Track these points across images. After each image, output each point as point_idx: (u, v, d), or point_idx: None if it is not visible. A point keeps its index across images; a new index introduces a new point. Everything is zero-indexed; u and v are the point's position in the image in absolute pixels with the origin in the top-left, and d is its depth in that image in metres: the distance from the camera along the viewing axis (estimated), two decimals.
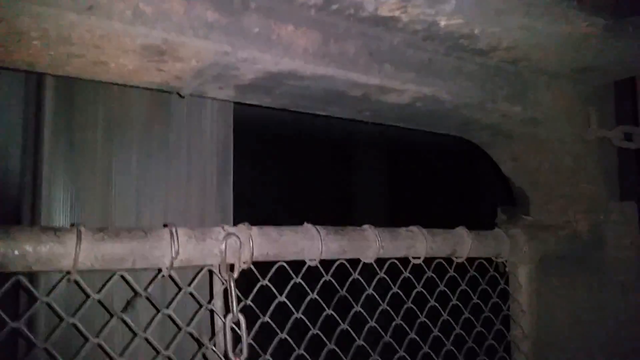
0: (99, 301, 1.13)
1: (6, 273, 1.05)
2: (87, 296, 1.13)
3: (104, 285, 1.14)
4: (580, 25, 1.31)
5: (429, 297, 1.65)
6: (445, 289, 1.69)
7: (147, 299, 1.19)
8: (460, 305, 1.73)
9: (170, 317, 1.20)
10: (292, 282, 1.37)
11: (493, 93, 1.58)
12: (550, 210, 1.94)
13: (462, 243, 1.67)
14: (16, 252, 1.01)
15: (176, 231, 1.17)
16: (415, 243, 1.56)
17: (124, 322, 1.16)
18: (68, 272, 1.08)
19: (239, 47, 1.12)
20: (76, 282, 1.10)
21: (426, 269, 1.62)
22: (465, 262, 1.71)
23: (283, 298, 1.36)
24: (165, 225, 1.19)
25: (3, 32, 1.00)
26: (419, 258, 1.57)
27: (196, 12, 1.08)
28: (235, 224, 1.29)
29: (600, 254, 1.83)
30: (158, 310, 1.20)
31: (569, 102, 1.74)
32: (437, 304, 1.68)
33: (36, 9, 0.93)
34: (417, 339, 1.62)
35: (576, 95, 1.74)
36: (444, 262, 1.67)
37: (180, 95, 1.40)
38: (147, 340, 1.17)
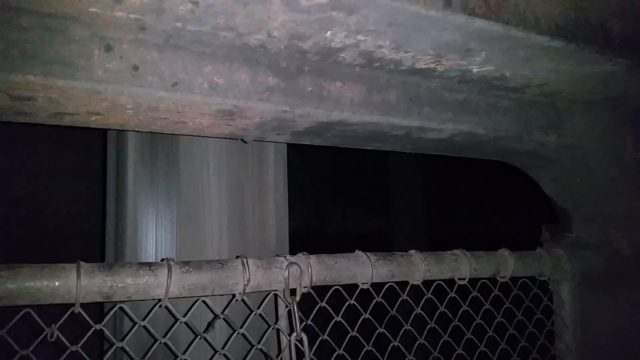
0: (186, 323, 1.34)
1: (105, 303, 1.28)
2: (176, 320, 1.34)
3: (189, 310, 1.35)
4: (604, 65, 1.42)
5: (474, 315, 1.78)
6: (490, 307, 1.81)
7: (225, 320, 1.39)
8: (504, 322, 1.84)
9: (244, 335, 1.40)
10: (346, 304, 1.54)
11: (528, 124, 1.70)
12: (592, 228, 2.02)
13: (505, 264, 1.79)
14: (120, 285, 1.23)
15: (247, 262, 1.37)
16: (459, 265, 1.69)
17: (206, 341, 1.36)
18: (159, 300, 1.30)
19: (295, 106, 1.32)
20: (167, 308, 1.31)
21: (471, 289, 1.74)
22: (509, 281, 1.82)
23: (339, 318, 1.53)
24: (237, 257, 1.40)
25: (105, 106, 1.23)
26: (464, 279, 1.70)
27: (259, 80, 1.28)
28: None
29: None
30: (234, 330, 1.40)
31: (604, 127, 1.82)
32: (482, 322, 1.80)
33: (134, 90, 1.16)
34: (465, 354, 1.74)
35: (611, 120, 1.82)
36: (488, 282, 1.79)
37: (243, 141, 1.62)
38: (225, 356, 1.37)
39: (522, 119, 1.68)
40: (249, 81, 1.26)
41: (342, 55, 1.30)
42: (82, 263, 1.20)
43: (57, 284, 1.16)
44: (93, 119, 1.31)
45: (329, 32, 1.17)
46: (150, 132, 1.60)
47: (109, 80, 1.13)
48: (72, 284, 1.17)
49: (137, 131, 1.53)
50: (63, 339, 1.20)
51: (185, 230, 1.66)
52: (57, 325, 1.20)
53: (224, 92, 1.23)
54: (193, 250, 1.65)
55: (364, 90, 1.42)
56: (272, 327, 1.45)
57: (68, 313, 1.20)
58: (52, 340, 1.20)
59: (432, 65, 1.39)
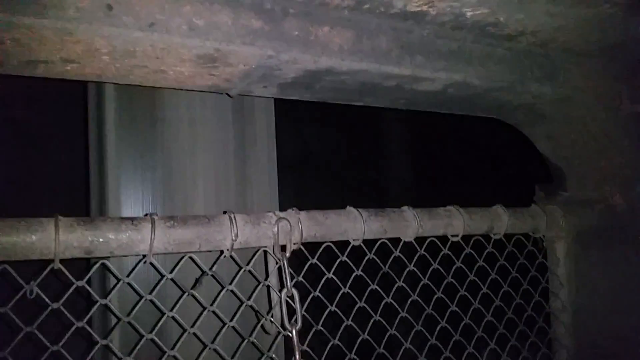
0: (172, 279, 1.30)
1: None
2: (162, 276, 1.30)
3: (175, 266, 1.30)
4: (601, 7, 1.37)
5: (468, 272, 1.75)
6: (484, 264, 1.78)
7: (213, 276, 1.35)
8: (499, 279, 1.82)
9: (233, 292, 1.36)
10: (338, 261, 1.50)
11: (522, 75, 1.64)
12: (586, 185, 1.98)
13: (499, 220, 1.76)
14: (101, 240, 1.18)
15: (235, 217, 1.32)
16: (453, 221, 1.65)
17: (195, 297, 1.32)
18: (144, 256, 1.25)
19: (281, 50, 1.25)
20: (152, 264, 1.27)
21: (465, 246, 1.71)
22: (503, 238, 1.79)
23: (331, 275, 1.49)
24: (224, 212, 1.35)
25: (79, 51, 1.17)
26: (457, 236, 1.67)
27: (242, 22, 1.21)
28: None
29: (637, 227, 1.87)
30: (223, 287, 1.35)
31: (599, 80, 1.78)
32: (476, 279, 1.77)
33: (108, 30, 1.09)
34: (459, 311, 1.72)
35: (606, 73, 1.77)
36: (482, 239, 1.76)
37: (229, 96, 1.55)
38: (214, 313, 1.33)
39: (516, 69, 1.63)
40: (231, 23, 1.19)
41: None
42: (60, 217, 1.15)
43: (34, 238, 1.11)
44: (68, 67, 1.25)
45: None
46: (131, 85, 1.54)
47: (81, 20, 1.06)
48: (50, 238, 1.12)
49: (115, 83, 1.46)
50: (43, 296, 1.15)
51: (169, 187, 1.61)
52: (36, 282, 1.15)
53: (205, 34, 1.16)
54: (179, 207, 1.60)
55: (354, 36, 1.36)
56: (262, 284, 1.42)
57: (48, 269, 1.15)
58: (32, 297, 1.15)
59: (425, 8, 1.33)
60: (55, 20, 1.04)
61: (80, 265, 1.36)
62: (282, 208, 1.46)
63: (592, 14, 1.42)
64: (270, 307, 1.41)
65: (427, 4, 1.31)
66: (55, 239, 1.13)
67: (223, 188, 1.67)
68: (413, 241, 1.60)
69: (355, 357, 1.49)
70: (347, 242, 1.50)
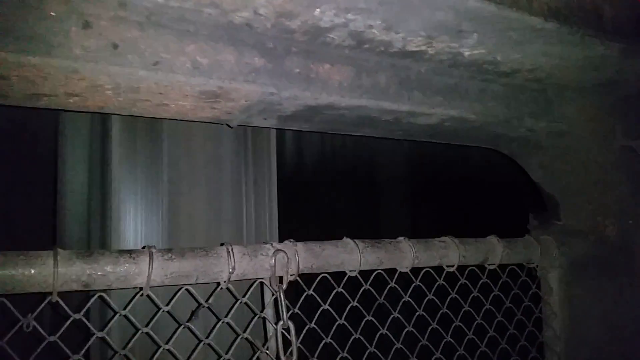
0: (169, 312, 1.30)
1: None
2: (158, 309, 1.30)
3: (172, 299, 1.31)
4: (596, 49, 1.40)
5: (462, 302, 1.76)
6: (479, 295, 1.80)
7: (209, 309, 1.35)
8: (493, 309, 1.83)
9: (229, 324, 1.36)
10: (334, 292, 1.51)
11: (518, 110, 1.67)
12: (580, 215, 2.01)
13: (493, 251, 1.77)
14: (99, 273, 1.19)
15: (232, 249, 1.33)
16: (448, 252, 1.67)
17: (190, 330, 1.32)
18: (141, 289, 1.26)
19: (282, 88, 1.27)
20: (149, 297, 1.27)
21: (459, 277, 1.73)
22: (497, 268, 1.81)
23: (327, 306, 1.50)
24: (222, 244, 1.36)
25: (83, 86, 1.18)
26: (452, 266, 1.68)
27: (245, 60, 1.23)
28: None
29: (630, 258, 1.89)
30: (219, 319, 1.36)
31: (594, 114, 1.81)
32: (470, 309, 1.79)
33: (113, 69, 1.11)
34: (453, 341, 1.73)
35: (600, 107, 1.81)
36: (476, 270, 1.77)
37: (229, 126, 1.57)
38: (210, 346, 1.33)
39: (513, 105, 1.66)
40: (234, 61, 1.21)
41: (331, 35, 1.26)
42: (59, 250, 1.15)
43: (32, 271, 1.11)
44: (71, 100, 1.26)
45: (318, 9, 1.12)
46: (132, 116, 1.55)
47: (87, 59, 1.08)
48: (49, 272, 1.12)
49: (117, 114, 1.47)
50: (40, 329, 1.16)
51: (170, 216, 1.61)
52: (33, 316, 1.15)
53: (208, 73, 1.18)
54: (178, 237, 1.61)
55: (353, 73, 1.38)
56: (258, 316, 1.42)
57: (45, 302, 1.15)
58: (29, 330, 1.15)
59: (423, 48, 1.35)
60: (61, 60, 1.05)
61: (79, 296, 1.36)
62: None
63: (589, 55, 1.45)
64: (266, 340, 1.42)
65: (426, 44, 1.33)
66: (54, 272, 1.13)
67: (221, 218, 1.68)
68: (409, 272, 1.61)
69: None
70: (343, 273, 1.51)
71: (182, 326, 1.31)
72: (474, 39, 1.31)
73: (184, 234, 1.62)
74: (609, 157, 1.89)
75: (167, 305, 1.30)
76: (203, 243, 1.58)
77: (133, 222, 1.60)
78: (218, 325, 1.36)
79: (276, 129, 1.71)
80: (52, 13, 1.06)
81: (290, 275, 1.40)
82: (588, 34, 1.32)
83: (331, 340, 1.49)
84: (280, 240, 1.46)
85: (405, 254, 1.59)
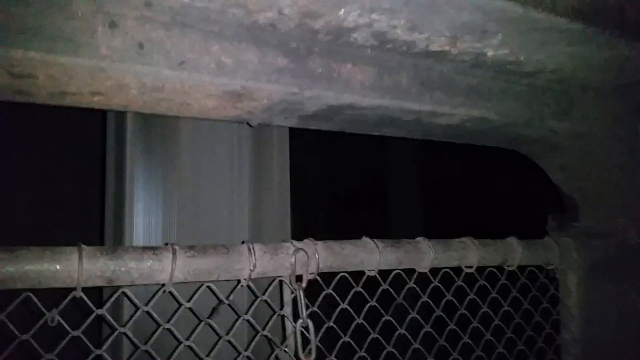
0: (190, 309, 1.31)
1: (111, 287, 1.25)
2: (180, 305, 1.31)
3: (193, 295, 1.32)
4: (621, 50, 1.39)
5: (481, 303, 1.76)
6: (497, 296, 1.79)
7: (230, 305, 1.37)
8: (511, 310, 1.82)
9: (249, 321, 1.37)
10: (353, 291, 1.51)
11: (540, 111, 1.66)
12: (600, 217, 1.99)
13: (512, 252, 1.77)
14: (123, 269, 1.20)
15: (253, 247, 1.34)
16: (467, 253, 1.66)
17: (211, 326, 1.33)
18: (163, 285, 1.27)
19: (305, 88, 1.28)
20: (170, 293, 1.28)
21: (478, 277, 1.72)
22: (516, 269, 1.80)
23: (345, 305, 1.50)
24: (243, 242, 1.37)
25: (109, 85, 1.19)
26: (471, 267, 1.68)
27: (268, 60, 1.24)
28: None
29: None
30: (239, 316, 1.37)
31: (615, 116, 1.79)
32: (489, 310, 1.78)
33: (139, 68, 1.12)
34: (471, 342, 1.73)
35: (623, 109, 1.79)
36: (495, 271, 1.77)
37: (249, 125, 1.58)
38: (230, 342, 1.34)
39: (534, 105, 1.64)
40: (258, 61, 1.22)
41: (354, 35, 1.26)
42: (84, 246, 1.17)
43: (58, 267, 1.13)
44: (96, 99, 1.27)
45: (342, 10, 1.12)
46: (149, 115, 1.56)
47: (114, 58, 1.09)
48: (74, 267, 1.14)
49: (139, 112, 1.49)
50: (64, 323, 1.17)
51: (185, 215, 1.63)
52: (58, 310, 1.17)
53: (232, 73, 1.19)
54: (193, 235, 1.62)
55: (375, 73, 1.38)
56: (277, 314, 1.43)
57: (69, 297, 1.17)
58: (53, 325, 1.17)
59: (447, 48, 1.35)
60: (88, 59, 1.07)
61: (94, 292, 1.37)
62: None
63: (612, 55, 1.43)
64: (285, 337, 1.43)
65: (450, 45, 1.33)
66: (78, 268, 1.15)
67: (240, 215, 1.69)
68: (428, 272, 1.61)
69: None
70: (361, 272, 1.51)
71: (203, 322, 1.32)
72: (498, 40, 1.30)
73: (201, 234, 1.64)
74: (630, 159, 1.87)
75: (189, 301, 1.31)
76: (218, 242, 1.59)
77: (147, 220, 1.61)
78: (238, 322, 1.37)
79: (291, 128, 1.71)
80: (79, 13, 1.07)
81: (310, 273, 1.41)
82: (613, 34, 1.31)
83: (349, 339, 1.50)
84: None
85: (424, 254, 1.59)
